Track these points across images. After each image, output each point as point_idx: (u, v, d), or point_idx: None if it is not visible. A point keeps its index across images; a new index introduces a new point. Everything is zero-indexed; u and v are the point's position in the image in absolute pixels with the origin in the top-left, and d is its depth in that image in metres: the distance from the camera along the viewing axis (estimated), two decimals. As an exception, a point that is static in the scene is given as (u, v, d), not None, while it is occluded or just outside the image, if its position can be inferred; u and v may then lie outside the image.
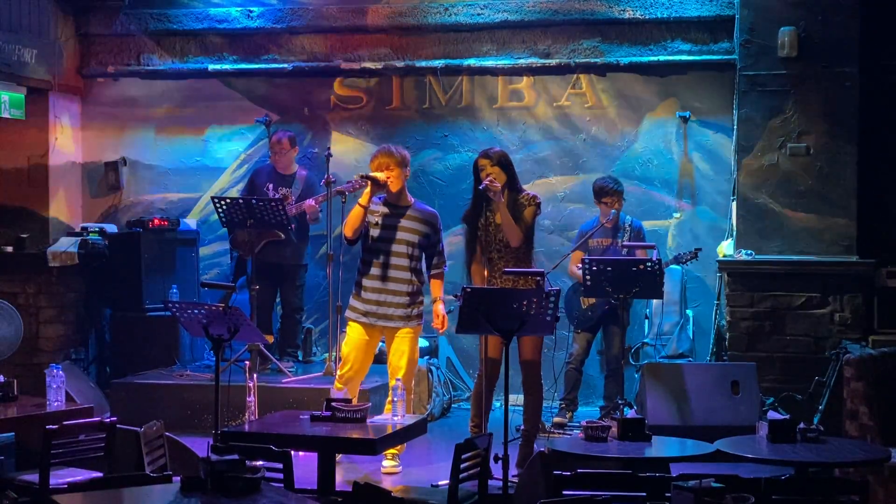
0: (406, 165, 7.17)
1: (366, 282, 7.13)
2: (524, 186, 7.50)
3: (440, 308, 7.20)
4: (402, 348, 7.14)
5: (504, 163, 7.14)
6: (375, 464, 7.21)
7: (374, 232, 7.10)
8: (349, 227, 7.08)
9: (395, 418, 6.33)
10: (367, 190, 7.02)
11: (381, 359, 7.61)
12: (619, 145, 9.58)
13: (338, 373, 7.28)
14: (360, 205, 7.03)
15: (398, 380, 6.74)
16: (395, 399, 6.38)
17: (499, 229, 7.07)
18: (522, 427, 7.14)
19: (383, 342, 7.34)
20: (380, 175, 7.03)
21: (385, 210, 7.13)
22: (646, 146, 9.54)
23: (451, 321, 8.65)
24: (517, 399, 7.31)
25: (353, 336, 7.17)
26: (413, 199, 7.25)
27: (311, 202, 8.89)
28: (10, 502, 5.88)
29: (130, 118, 10.25)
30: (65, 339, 9.46)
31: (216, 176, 10.19)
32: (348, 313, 7.22)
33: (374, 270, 7.10)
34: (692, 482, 4.34)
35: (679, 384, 7.51)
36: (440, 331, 7.35)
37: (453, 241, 9.56)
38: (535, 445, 7.13)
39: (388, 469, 7.15)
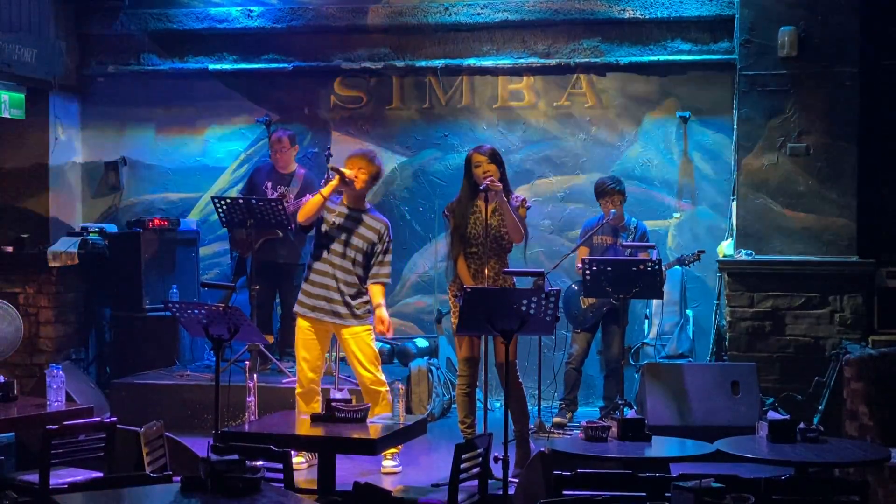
0: (376, 179, 7.21)
1: (314, 277, 7.14)
2: (523, 187, 7.49)
3: (383, 313, 7.12)
4: (358, 346, 7.13)
5: (498, 160, 7.14)
6: (375, 464, 7.21)
7: (329, 230, 7.13)
8: (304, 213, 7.12)
9: (395, 418, 6.33)
10: (333, 182, 7.06)
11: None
12: (619, 145, 9.58)
13: (296, 378, 7.25)
14: (321, 194, 7.08)
15: (398, 380, 6.74)
16: (396, 399, 6.39)
17: (488, 227, 7.03)
18: (513, 428, 7.10)
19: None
20: (348, 171, 7.05)
21: (341, 210, 7.16)
22: (646, 146, 9.54)
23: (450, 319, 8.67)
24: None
25: (302, 336, 7.19)
26: (369, 205, 7.29)
27: (308, 199, 8.87)
28: (10, 502, 5.88)
29: (130, 118, 10.25)
30: (65, 339, 9.45)
31: (216, 176, 10.19)
32: (297, 308, 7.25)
33: (323, 266, 7.12)
34: (692, 482, 4.34)
35: (679, 384, 7.51)
36: (387, 335, 7.24)
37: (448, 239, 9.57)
38: (531, 443, 7.13)
39: (388, 469, 7.16)
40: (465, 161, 7.26)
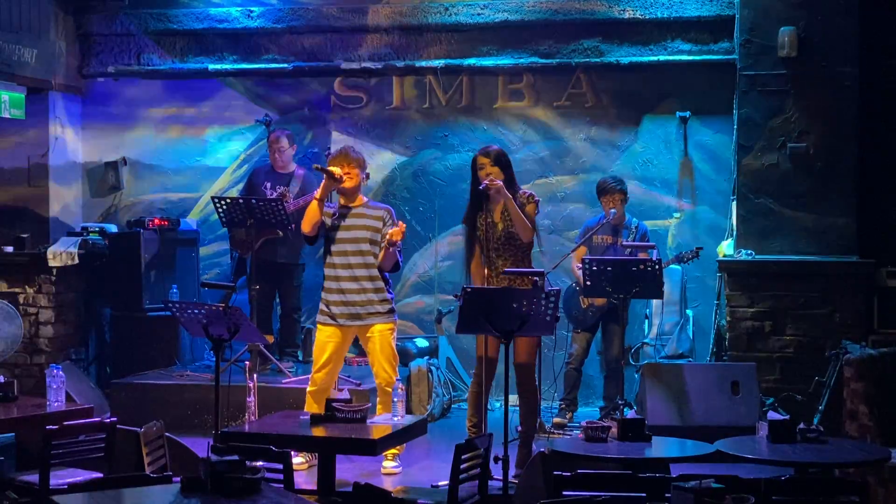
0: (363, 169, 7.21)
1: (330, 284, 7.15)
2: (524, 186, 7.49)
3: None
4: (380, 346, 7.12)
5: (503, 162, 7.13)
6: (375, 464, 7.21)
7: (332, 234, 7.14)
8: (306, 222, 7.14)
9: (395, 418, 6.33)
10: (323, 183, 7.07)
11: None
12: (619, 145, 9.58)
13: (311, 376, 7.25)
14: (315, 198, 7.08)
15: (398, 380, 6.75)
16: (396, 399, 6.39)
17: (496, 227, 7.05)
18: (520, 429, 7.13)
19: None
20: (335, 169, 7.06)
21: (339, 211, 7.17)
22: (646, 146, 9.54)
23: (451, 320, 8.69)
24: (516, 400, 7.30)
25: (323, 339, 7.17)
26: (366, 199, 7.29)
27: (308, 199, 8.88)
28: (10, 502, 5.88)
29: (130, 118, 10.26)
30: (65, 339, 9.45)
31: (216, 176, 10.20)
32: (319, 318, 7.23)
33: (337, 272, 7.12)
34: (692, 483, 4.34)
35: (679, 384, 7.50)
36: (400, 234, 6.97)
37: (454, 240, 9.58)
38: (533, 446, 7.13)
39: (388, 469, 7.15)
40: (471, 163, 7.25)
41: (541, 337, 7.13)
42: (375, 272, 7.11)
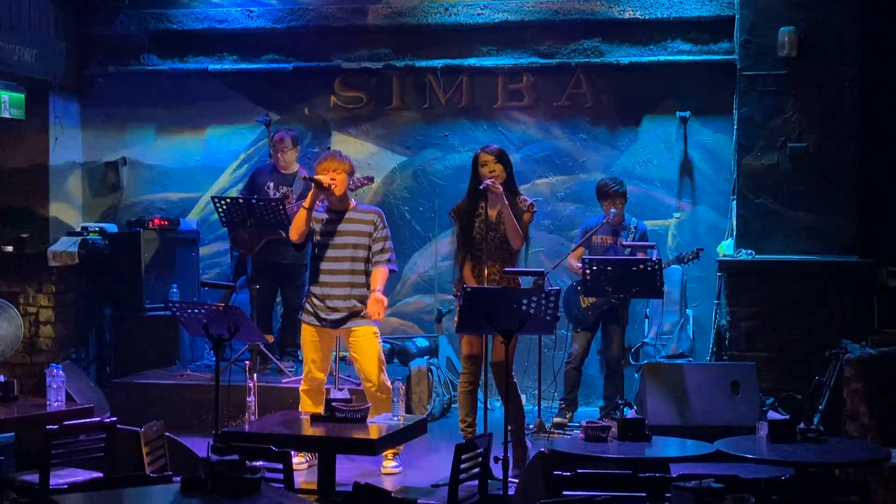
0: (351, 174, 7.19)
1: (315, 289, 7.13)
2: (523, 187, 7.49)
3: (378, 295, 7.05)
4: (364, 350, 7.09)
5: (505, 161, 7.12)
6: (375, 464, 7.21)
7: (318, 238, 7.13)
8: (294, 230, 7.12)
9: (395, 418, 6.33)
10: (311, 193, 7.05)
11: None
12: (619, 145, 9.58)
13: (302, 375, 7.26)
14: (303, 207, 7.06)
15: (398, 379, 6.73)
16: (396, 399, 6.39)
17: (491, 227, 7.03)
18: (510, 427, 7.08)
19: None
20: (323, 178, 7.04)
21: (327, 216, 7.15)
22: (646, 146, 9.54)
23: (451, 320, 8.68)
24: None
25: (308, 338, 7.17)
26: (355, 203, 7.26)
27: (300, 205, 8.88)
28: (10, 502, 5.88)
29: (130, 118, 10.26)
30: (65, 339, 9.45)
31: (216, 176, 10.19)
32: (301, 315, 7.23)
33: (324, 277, 7.10)
34: (692, 482, 4.34)
35: (679, 384, 7.51)
36: (374, 317, 7.05)
37: (454, 240, 9.56)
38: (529, 443, 7.13)
39: (388, 469, 7.15)
40: (472, 160, 7.23)
41: None
42: (360, 279, 7.10)
